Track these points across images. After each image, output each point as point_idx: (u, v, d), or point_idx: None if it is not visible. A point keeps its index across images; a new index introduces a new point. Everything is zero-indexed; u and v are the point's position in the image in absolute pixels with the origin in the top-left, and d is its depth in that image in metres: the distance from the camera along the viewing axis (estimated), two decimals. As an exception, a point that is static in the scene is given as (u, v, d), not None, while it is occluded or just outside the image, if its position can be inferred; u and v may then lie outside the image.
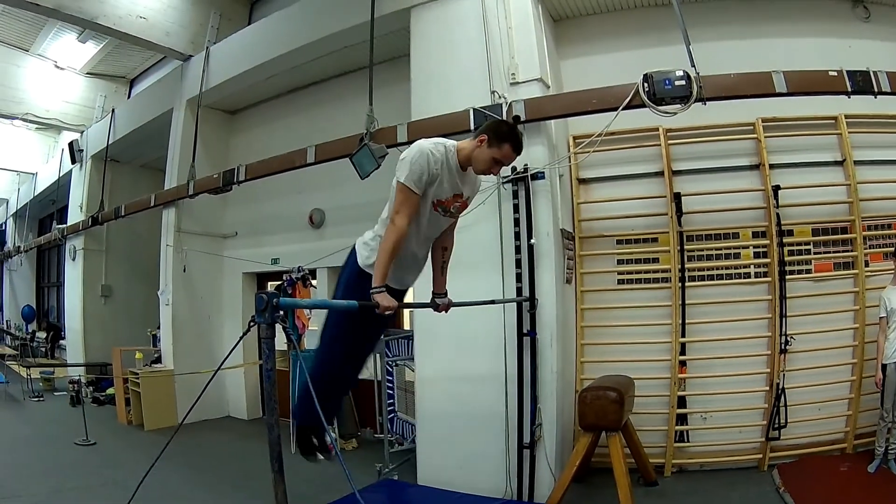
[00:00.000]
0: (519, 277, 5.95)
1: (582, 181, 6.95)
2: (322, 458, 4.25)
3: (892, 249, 6.03)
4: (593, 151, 6.16)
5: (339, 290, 3.97)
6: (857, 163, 6.48)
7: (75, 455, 7.98)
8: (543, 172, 6.00)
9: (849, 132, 6.48)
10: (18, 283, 20.20)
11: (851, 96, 5.68)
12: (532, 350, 5.88)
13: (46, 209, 17.99)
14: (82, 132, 14.22)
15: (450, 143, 3.69)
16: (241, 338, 3.13)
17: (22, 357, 15.38)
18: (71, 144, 14.08)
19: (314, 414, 3.42)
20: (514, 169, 5.93)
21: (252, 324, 2.78)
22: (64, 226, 14.03)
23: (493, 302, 5.35)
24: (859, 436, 6.32)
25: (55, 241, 14.96)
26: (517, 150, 3.70)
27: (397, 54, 7.87)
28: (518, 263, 5.96)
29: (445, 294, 4.14)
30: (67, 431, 8.99)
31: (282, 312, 2.75)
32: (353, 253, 3.84)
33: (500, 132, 3.65)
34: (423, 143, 3.61)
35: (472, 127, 6.02)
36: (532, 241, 5.89)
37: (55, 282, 18.51)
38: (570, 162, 6.71)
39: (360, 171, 6.49)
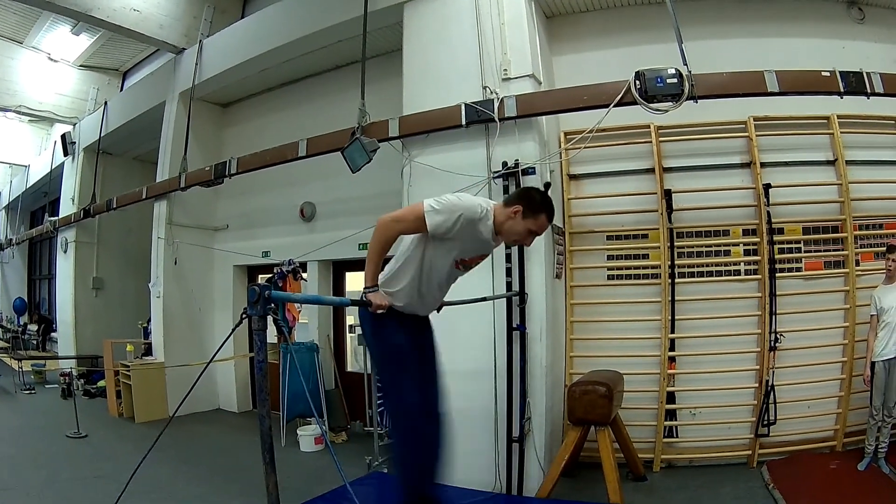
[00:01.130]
0: (509, 272, 5.96)
1: (573, 177, 6.95)
2: None
3: (885, 249, 6.03)
4: (584, 148, 6.15)
5: (368, 338, 3.94)
6: (848, 163, 6.48)
7: (67, 447, 7.99)
8: (534, 168, 6.00)
9: (841, 132, 6.49)
10: (10, 276, 20.17)
11: (844, 97, 5.69)
12: (521, 344, 5.89)
13: (38, 201, 18.01)
14: (75, 124, 14.21)
15: (489, 207, 3.62)
16: (233, 330, 3.16)
17: (13, 350, 15.34)
18: (63, 137, 14.07)
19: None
20: (504, 164, 5.97)
21: (244, 316, 2.79)
22: (56, 218, 14.04)
23: (484, 299, 5.36)
24: (849, 434, 6.34)
25: (47, 234, 14.92)
26: (551, 219, 3.67)
27: (390, 49, 7.90)
28: (508, 258, 5.96)
29: None
30: (59, 424, 9.01)
31: (273, 305, 2.77)
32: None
33: (535, 202, 3.59)
34: (477, 204, 3.56)
35: (464, 122, 6.07)
36: (522, 236, 5.89)
37: (47, 274, 18.48)
38: (560, 158, 6.72)
39: (351, 165, 6.49)
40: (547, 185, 3.88)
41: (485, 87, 6.15)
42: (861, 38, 6.72)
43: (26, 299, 18.91)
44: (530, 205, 3.57)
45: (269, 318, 2.81)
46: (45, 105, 14.40)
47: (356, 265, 9.14)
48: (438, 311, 4.20)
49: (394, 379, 3.82)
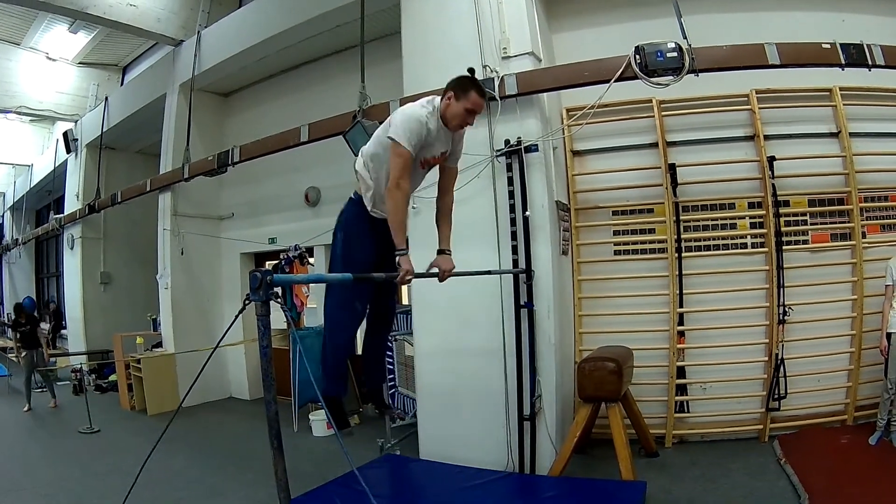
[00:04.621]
0: (515, 250, 5.93)
1: (576, 153, 6.93)
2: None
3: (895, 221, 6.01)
4: (587, 123, 6.13)
5: (338, 243, 4.23)
6: (852, 135, 6.45)
7: (80, 443, 8.05)
8: (537, 145, 5.97)
9: (844, 104, 6.44)
10: (18, 275, 20.23)
11: (846, 69, 5.67)
12: (530, 322, 5.87)
13: (43, 200, 18.06)
14: (76, 122, 14.25)
15: (436, 102, 3.97)
16: (236, 316, 3.13)
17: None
18: (65, 134, 14.15)
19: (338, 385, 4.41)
20: (507, 142, 5.94)
21: (247, 302, 2.78)
22: (61, 215, 14.11)
23: (489, 272, 5.34)
24: (859, 408, 6.33)
25: (53, 232, 15.04)
26: (482, 94, 3.90)
27: (389, 31, 7.85)
28: (514, 236, 5.94)
29: (448, 252, 4.23)
30: (71, 420, 9.11)
31: (277, 290, 2.76)
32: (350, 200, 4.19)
33: (463, 84, 3.88)
34: (417, 110, 3.86)
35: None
36: (527, 213, 5.88)
37: (54, 272, 18.55)
38: (563, 134, 6.69)
39: (353, 149, 6.46)
40: (471, 70, 4.07)
41: (485, 66, 6.09)
42: (861, 11, 6.61)
43: (35, 298, 18.95)
44: (460, 86, 3.87)
45: (276, 304, 2.80)
46: (45, 104, 14.40)
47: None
48: (444, 280, 4.21)
49: (343, 294, 4.20)
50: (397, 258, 3.75)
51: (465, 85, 3.86)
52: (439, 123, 3.92)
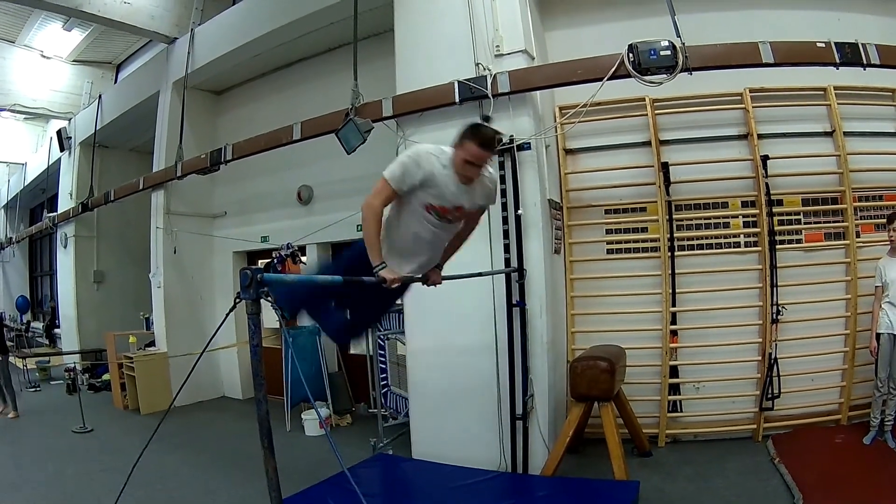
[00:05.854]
0: (507, 248, 5.92)
1: (569, 151, 6.91)
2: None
3: (885, 220, 5.97)
4: (579, 122, 6.13)
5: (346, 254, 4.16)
6: (846, 134, 6.42)
7: (73, 442, 8.03)
8: (529, 143, 5.96)
9: (838, 103, 6.43)
10: (11, 275, 20.18)
11: (840, 68, 5.63)
12: (522, 321, 5.85)
13: (37, 198, 18.07)
14: (70, 120, 14.22)
15: (448, 152, 3.63)
16: (227, 314, 3.12)
17: (17, 348, 15.32)
18: (59, 132, 14.10)
19: None
20: (499, 140, 5.89)
21: (238, 300, 2.75)
22: (54, 214, 14.09)
23: (481, 274, 5.32)
24: (853, 407, 6.31)
25: (46, 230, 15.03)
26: (482, 144, 3.52)
27: (382, 29, 7.81)
28: (506, 234, 5.92)
29: (441, 267, 4.15)
30: (65, 419, 9.05)
31: (267, 288, 2.74)
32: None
33: (465, 131, 3.56)
34: (421, 147, 3.69)
35: (457, 99, 6.00)
36: (519, 211, 5.85)
37: (48, 270, 18.52)
38: (556, 132, 6.67)
39: (345, 147, 6.46)
40: (486, 118, 3.85)
41: (478, 64, 6.07)
42: (856, 10, 6.59)
43: (29, 297, 18.95)
44: (461, 134, 3.56)
45: (267, 303, 2.77)
46: (39, 102, 14.39)
47: (355, 246, 9.11)
48: (428, 284, 4.14)
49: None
50: (376, 274, 3.57)
51: (465, 132, 3.53)
52: (451, 173, 3.60)
